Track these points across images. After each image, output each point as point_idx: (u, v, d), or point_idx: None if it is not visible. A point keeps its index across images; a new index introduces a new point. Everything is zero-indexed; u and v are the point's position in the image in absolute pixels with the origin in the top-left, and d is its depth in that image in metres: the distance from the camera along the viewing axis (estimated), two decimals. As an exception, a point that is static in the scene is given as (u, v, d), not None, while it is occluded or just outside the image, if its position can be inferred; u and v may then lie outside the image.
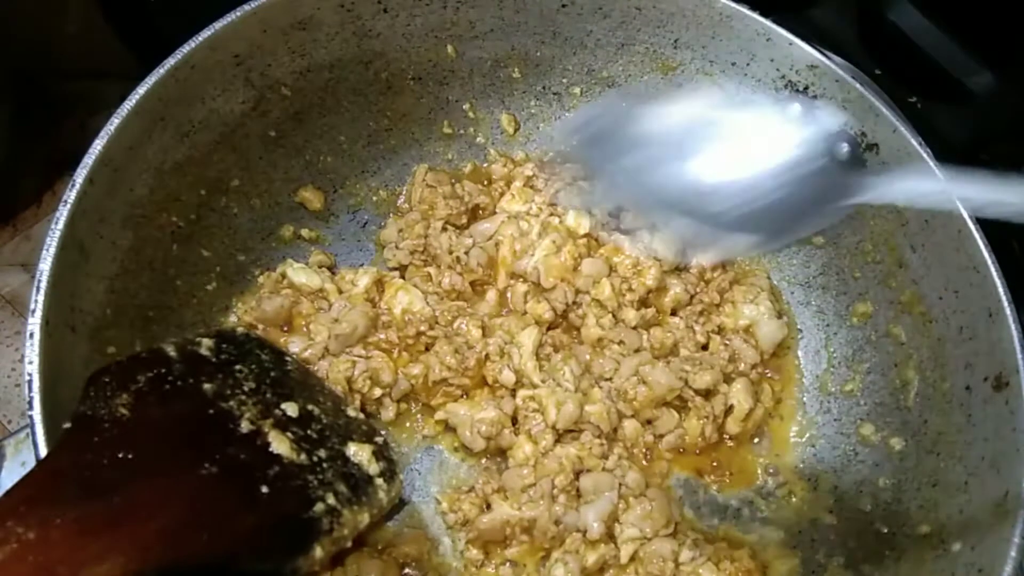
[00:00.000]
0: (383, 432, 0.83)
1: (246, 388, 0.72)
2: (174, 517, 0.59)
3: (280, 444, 0.69)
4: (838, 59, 0.86)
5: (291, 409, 0.74)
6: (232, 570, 0.63)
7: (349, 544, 0.72)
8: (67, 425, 0.60)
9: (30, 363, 0.62)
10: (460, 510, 0.80)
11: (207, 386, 0.70)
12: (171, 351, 0.70)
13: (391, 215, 0.96)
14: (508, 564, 0.79)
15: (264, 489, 0.66)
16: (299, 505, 0.68)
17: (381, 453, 0.77)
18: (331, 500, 0.70)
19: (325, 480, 0.71)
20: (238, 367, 0.74)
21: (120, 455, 0.60)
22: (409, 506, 0.83)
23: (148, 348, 0.72)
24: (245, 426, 0.69)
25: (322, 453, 0.73)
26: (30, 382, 0.62)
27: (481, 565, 0.80)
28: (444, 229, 0.92)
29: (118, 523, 0.56)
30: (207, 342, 0.74)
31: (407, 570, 0.79)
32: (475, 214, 0.95)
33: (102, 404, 0.62)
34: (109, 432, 0.61)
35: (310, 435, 0.73)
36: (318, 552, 0.68)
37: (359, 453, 0.75)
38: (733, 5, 0.86)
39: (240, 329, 0.82)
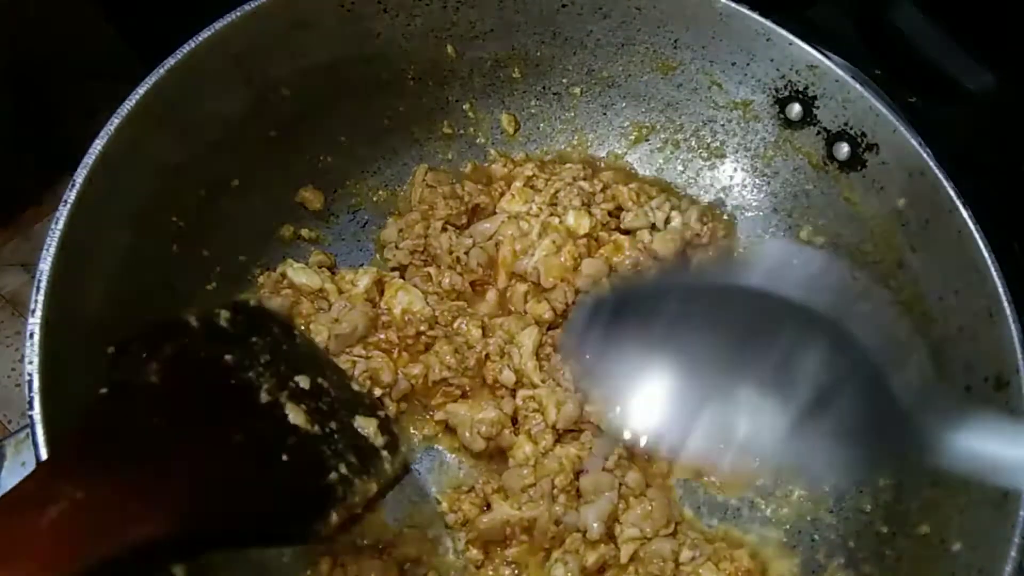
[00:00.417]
0: (385, 406, 0.84)
1: (262, 360, 0.73)
2: (205, 483, 0.61)
3: (296, 415, 0.71)
4: (838, 59, 0.86)
5: (304, 382, 0.75)
6: (256, 534, 0.66)
7: (359, 511, 0.74)
8: (103, 390, 0.62)
9: (30, 363, 0.62)
10: (460, 510, 0.80)
11: (228, 357, 0.71)
12: (192, 321, 0.72)
13: (391, 215, 0.96)
14: (508, 564, 0.79)
15: (284, 458, 0.68)
16: (315, 474, 0.70)
17: (385, 426, 0.79)
18: (343, 469, 0.72)
19: (337, 451, 0.73)
20: (254, 339, 0.75)
21: (153, 421, 0.62)
22: (409, 506, 0.83)
23: (169, 317, 0.72)
24: (264, 397, 0.70)
25: (333, 425, 0.74)
26: (30, 382, 0.62)
27: (481, 565, 0.80)
28: (444, 229, 0.92)
29: (156, 486, 0.58)
30: (224, 313, 0.75)
31: (407, 570, 0.79)
32: (475, 214, 0.95)
33: (134, 371, 0.64)
34: (142, 399, 0.63)
35: (321, 407, 0.74)
36: (333, 518, 0.70)
37: (366, 426, 0.77)
38: (733, 5, 0.86)
39: (252, 301, 0.84)
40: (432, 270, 0.91)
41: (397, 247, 0.92)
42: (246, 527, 0.64)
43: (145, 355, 0.65)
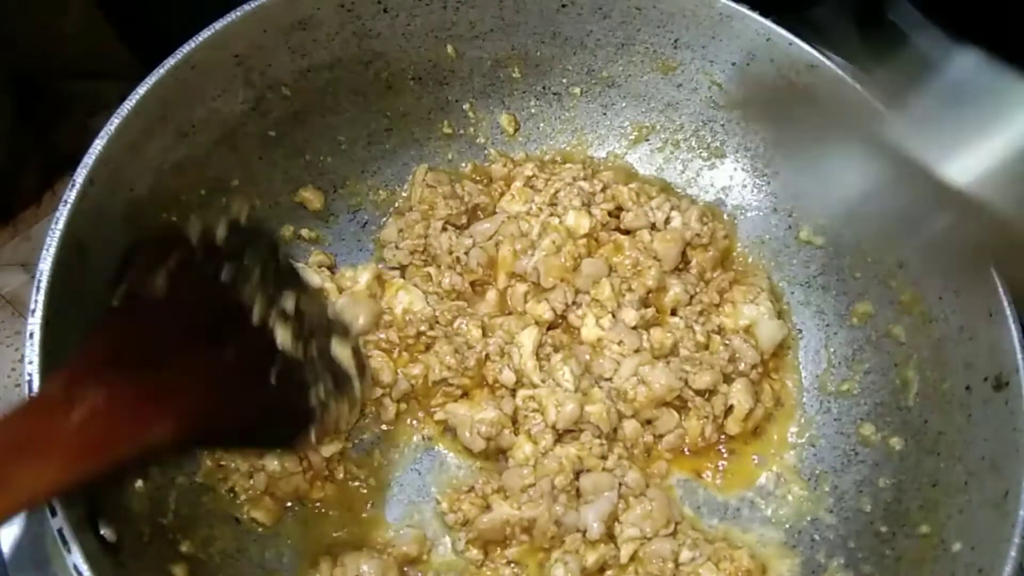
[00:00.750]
0: (356, 334, 0.85)
1: (253, 280, 0.75)
2: (205, 394, 0.66)
3: (284, 338, 0.73)
4: (838, 59, 0.86)
5: (289, 304, 0.77)
6: (243, 443, 0.73)
7: (334, 433, 0.79)
8: (116, 301, 0.65)
9: (30, 363, 0.62)
10: (460, 510, 0.80)
11: (223, 275, 0.73)
12: (193, 236, 0.74)
13: (391, 215, 0.96)
14: (508, 564, 0.79)
15: (272, 378, 0.71)
16: (298, 395, 0.73)
17: (356, 352, 0.80)
18: (321, 393, 0.75)
19: (316, 374, 0.75)
20: (246, 258, 0.77)
21: (161, 332, 0.66)
22: (409, 506, 0.83)
23: (169, 226, 0.76)
24: (256, 317, 0.73)
25: (313, 349, 0.77)
26: (30, 382, 0.62)
27: (481, 565, 0.80)
28: (444, 229, 0.92)
29: (166, 394, 0.62)
30: (220, 230, 0.76)
31: (407, 570, 0.79)
32: (475, 214, 0.95)
33: (142, 284, 0.67)
34: (150, 310, 0.66)
35: (304, 331, 0.77)
36: (311, 436, 0.75)
37: (341, 352, 0.79)
38: (733, 5, 0.86)
39: (243, 217, 0.83)
40: (432, 270, 0.91)
41: (397, 247, 0.92)
42: (235, 437, 0.71)
43: (151, 268, 0.68)
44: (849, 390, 0.89)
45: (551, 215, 0.93)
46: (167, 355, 0.64)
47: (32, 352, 0.62)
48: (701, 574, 0.78)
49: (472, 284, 0.91)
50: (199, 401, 0.65)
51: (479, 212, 0.95)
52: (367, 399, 0.82)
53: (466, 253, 0.90)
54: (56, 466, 0.55)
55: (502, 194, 0.96)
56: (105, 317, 0.65)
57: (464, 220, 0.94)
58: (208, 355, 0.68)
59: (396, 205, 0.97)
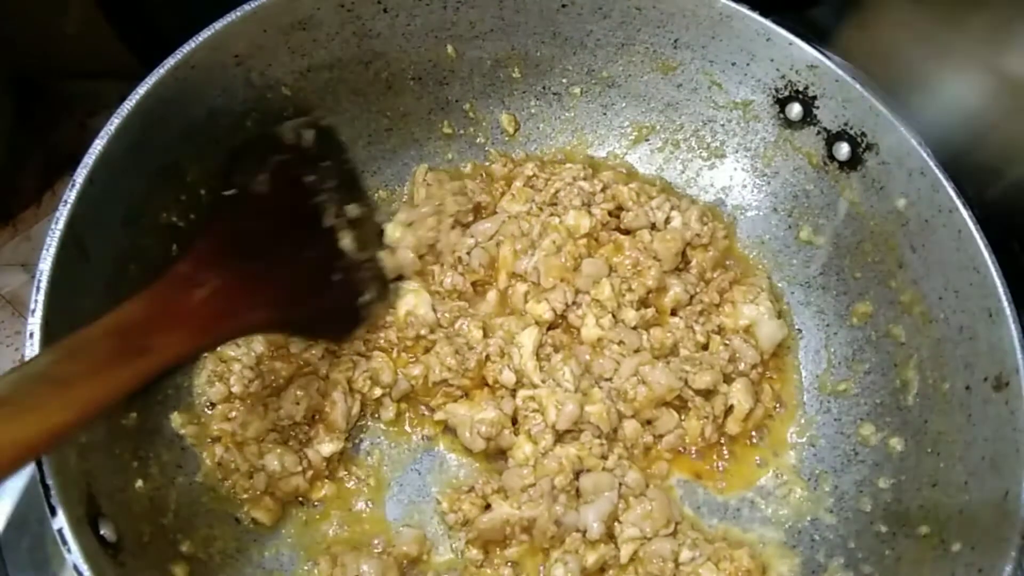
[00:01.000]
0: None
1: (329, 185, 0.83)
2: (289, 285, 0.74)
3: (348, 241, 0.82)
4: (838, 59, 0.86)
5: (354, 211, 0.85)
6: (309, 331, 0.81)
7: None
8: (230, 192, 0.74)
9: (30, 363, 0.62)
10: (460, 510, 0.80)
11: (308, 178, 0.81)
12: (288, 138, 0.81)
13: (397, 213, 0.95)
14: (508, 564, 0.79)
15: (336, 277, 0.80)
16: (354, 294, 0.83)
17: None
18: (370, 294, 0.84)
19: (367, 278, 0.85)
20: (325, 163, 0.84)
21: (259, 228, 0.74)
22: (409, 506, 0.83)
23: (269, 132, 0.82)
24: (328, 220, 0.81)
25: (368, 254, 0.85)
26: (30, 382, 0.61)
27: (481, 565, 0.80)
28: (453, 227, 0.92)
29: (262, 283, 0.71)
30: (309, 133, 0.83)
31: (407, 570, 0.79)
32: (478, 212, 0.95)
33: (248, 180, 0.75)
34: (253, 206, 0.75)
35: (361, 236, 0.85)
36: (360, 331, 0.85)
37: (388, 261, 0.89)
38: (733, 5, 0.86)
39: (324, 121, 0.89)
40: (436, 268, 0.91)
41: (401, 248, 0.92)
42: (302, 327, 0.78)
43: (257, 167, 0.75)
44: (849, 390, 0.89)
45: (551, 215, 0.93)
46: (263, 249, 0.73)
47: (32, 352, 0.62)
48: (701, 574, 0.78)
49: (473, 284, 0.91)
50: (284, 292, 0.73)
51: (481, 211, 0.95)
52: (389, 307, 0.89)
53: (468, 253, 0.90)
54: (184, 336, 0.63)
55: (503, 194, 0.96)
56: (219, 207, 0.74)
57: (470, 217, 0.94)
58: (292, 251, 0.76)
59: (392, 207, 0.96)
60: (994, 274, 0.74)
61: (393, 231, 0.92)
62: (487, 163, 0.99)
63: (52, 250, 0.66)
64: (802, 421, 0.90)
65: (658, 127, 0.99)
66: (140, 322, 0.61)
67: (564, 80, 0.98)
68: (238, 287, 0.68)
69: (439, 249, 0.91)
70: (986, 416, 0.73)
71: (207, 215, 0.74)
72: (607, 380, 0.86)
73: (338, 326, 0.83)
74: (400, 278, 0.90)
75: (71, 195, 0.67)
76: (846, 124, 0.86)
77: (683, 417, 0.86)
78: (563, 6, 0.90)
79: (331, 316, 0.81)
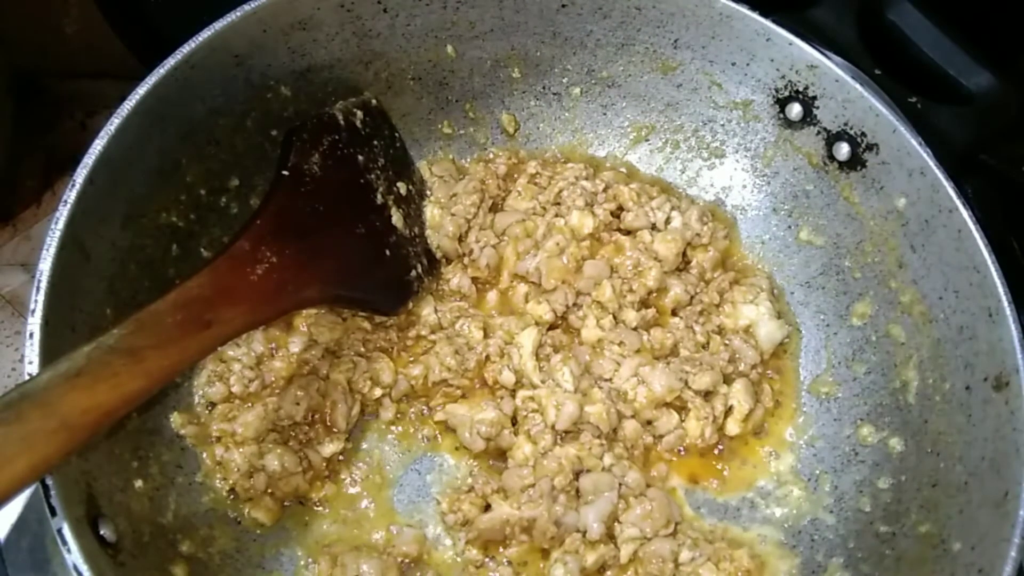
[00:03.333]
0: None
1: (380, 163, 0.85)
2: (342, 261, 0.77)
3: (397, 218, 0.85)
4: (838, 59, 0.86)
5: (403, 188, 0.88)
6: (360, 308, 0.84)
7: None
8: (285, 172, 0.76)
9: (30, 363, 0.62)
10: (460, 510, 0.80)
11: (360, 157, 0.83)
12: (340, 118, 0.83)
13: (433, 193, 0.95)
14: (508, 564, 0.79)
15: (387, 252, 0.83)
16: (405, 269, 0.86)
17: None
18: (418, 269, 0.87)
19: (416, 253, 0.88)
20: (376, 141, 0.87)
21: (313, 205, 0.76)
22: (409, 506, 0.83)
23: (322, 112, 0.83)
24: (379, 198, 0.84)
25: (416, 230, 0.88)
26: (30, 382, 0.61)
27: (481, 565, 0.80)
28: (492, 209, 0.94)
29: (316, 259, 0.73)
30: (360, 113, 0.86)
31: (407, 570, 0.79)
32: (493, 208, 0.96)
33: (303, 160, 0.77)
34: (307, 185, 0.77)
35: (411, 212, 0.88)
36: (409, 305, 0.88)
37: (434, 237, 0.91)
38: (733, 5, 0.86)
39: (374, 101, 0.91)
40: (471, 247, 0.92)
41: (444, 228, 0.92)
42: (356, 301, 0.82)
43: (310, 145, 0.78)
44: (849, 390, 0.89)
45: (556, 215, 0.93)
46: (317, 225, 0.75)
47: (32, 352, 0.62)
48: (701, 574, 0.78)
49: (474, 280, 0.91)
50: (339, 267, 0.76)
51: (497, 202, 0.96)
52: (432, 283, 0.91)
53: (481, 248, 0.90)
54: (245, 310, 0.66)
55: (508, 191, 0.96)
56: (276, 187, 0.75)
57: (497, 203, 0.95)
58: (345, 228, 0.79)
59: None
60: (994, 274, 0.74)
61: (432, 212, 0.93)
62: (491, 156, 0.99)
63: (52, 250, 0.66)
64: (801, 421, 0.90)
65: (658, 127, 0.99)
66: (204, 297, 0.64)
67: (564, 80, 0.98)
68: (295, 263, 0.71)
69: (471, 227, 0.92)
70: (986, 416, 0.73)
71: (266, 194, 0.75)
72: (607, 380, 0.86)
73: (388, 300, 0.85)
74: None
75: (71, 195, 0.67)
76: (846, 124, 0.86)
77: (683, 417, 0.86)
78: (563, 6, 0.90)
79: (382, 290, 0.83)
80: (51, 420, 0.54)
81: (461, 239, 0.92)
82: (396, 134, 0.93)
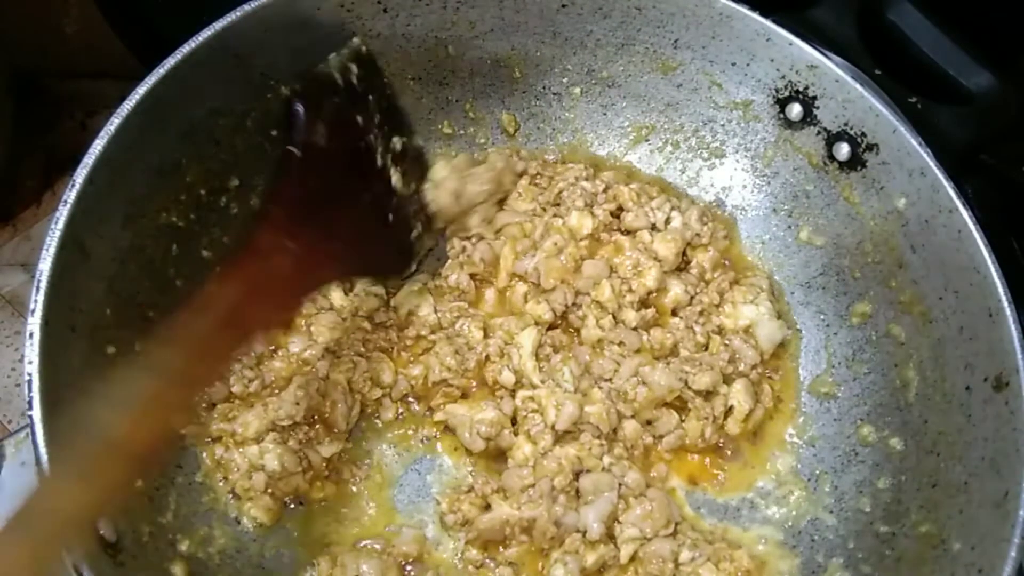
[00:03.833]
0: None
1: (376, 120, 0.82)
2: (352, 234, 0.75)
3: (396, 179, 0.83)
4: (838, 59, 0.86)
5: (398, 143, 0.85)
6: (368, 275, 0.83)
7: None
8: (294, 150, 0.73)
9: (30, 363, 0.62)
10: (460, 510, 0.80)
11: (359, 117, 0.80)
12: (338, 78, 0.80)
13: (457, 156, 0.96)
14: (508, 564, 0.79)
15: (390, 216, 0.81)
16: (407, 230, 0.84)
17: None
18: (419, 228, 0.86)
19: (415, 212, 0.86)
20: (370, 96, 0.84)
21: (321, 182, 0.74)
22: (409, 506, 0.83)
23: (318, 73, 0.79)
24: (379, 160, 0.81)
25: (413, 186, 0.86)
26: (30, 382, 0.62)
27: (481, 565, 0.80)
28: (499, 203, 0.94)
29: (329, 237, 0.72)
30: (355, 68, 0.82)
31: (407, 570, 0.79)
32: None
33: (311, 133, 0.75)
34: (315, 160, 0.75)
35: (408, 169, 0.86)
36: (412, 267, 0.87)
37: (432, 193, 0.88)
38: (733, 5, 0.86)
39: (364, 48, 0.86)
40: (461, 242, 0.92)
41: (441, 189, 0.91)
42: (367, 270, 0.81)
43: (314, 115, 0.75)
44: (849, 390, 0.89)
45: (555, 215, 0.93)
46: (325, 203, 0.73)
47: (32, 352, 0.62)
48: (701, 574, 0.78)
49: (472, 276, 0.91)
50: (350, 241, 0.74)
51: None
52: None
53: (474, 244, 0.90)
54: (272, 305, 0.66)
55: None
56: (288, 169, 0.73)
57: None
58: (352, 199, 0.76)
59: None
60: (994, 274, 0.74)
61: (440, 170, 0.92)
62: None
63: (52, 250, 0.66)
64: (801, 421, 0.90)
65: (658, 127, 0.99)
66: (233, 301, 0.64)
67: (564, 80, 0.98)
68: (313, 247, 0.70)
69: (469, 212, 0.92)
70: (986, 416, 0.73)
71: (275, 177, 0.74)
72: (607, 380, 0.86)
73: (395, 264, 0.84)
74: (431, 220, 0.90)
75: (71, 195, 0.67)
76: (846, 124, 0.86)
77: (683, 418, 0.86)
78: (563, 6, 0.90)
79: (389, 255, 0.83)
80: (113, 459, 0.54)
81: (460, 216, 0.92)
82: (386, 81, 0.88)
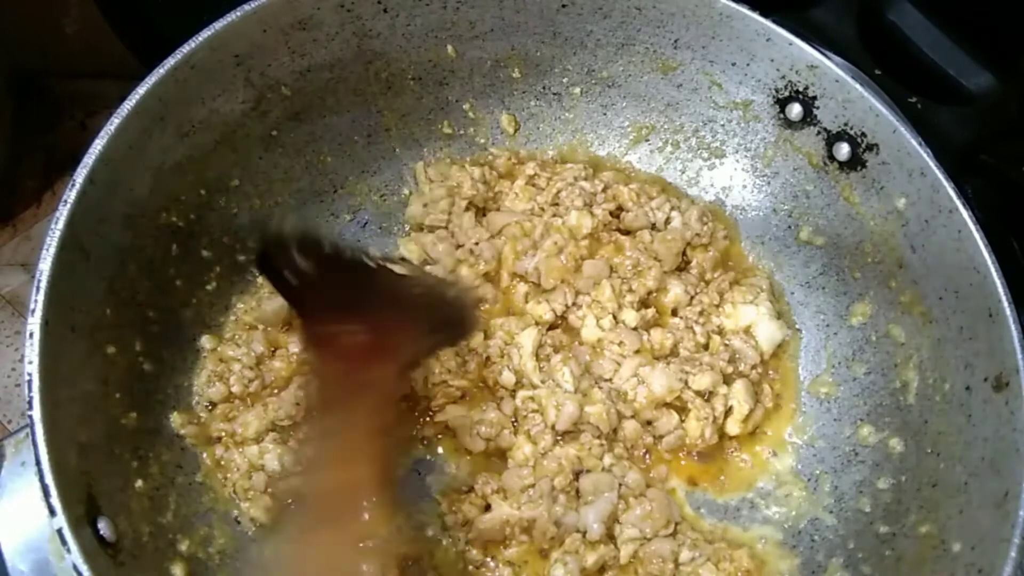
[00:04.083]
0: None
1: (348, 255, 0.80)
2: (395, 326, 0.75)
3: (399, 268, 0.82)
4: (838, 59, 0.86)
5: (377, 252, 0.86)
6: (441, 347, 0.84)
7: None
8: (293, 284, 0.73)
9: (30, 363, 0.62)
10: (460, 510, 0.80)
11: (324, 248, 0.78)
12: (279, 234, 0.77)
13: (412, 197, 0.96)
14: (508, 564, 0.79)
15: (416, 292, 0.80)
16: (440, 295, 0.82)
17: None
18: (453, 289, 0.85)
19: (433, 282, 0.85)
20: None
21: (331, 297, 0.74)
22: (409, 506, 0.83)
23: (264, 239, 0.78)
24: (372, 263, 0.79)
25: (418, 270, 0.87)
26: (30, 382, 0.61)
27: (481, 565, 0.80)
28: (467, 209, 0.92)
29: (388, 337, 0.73)
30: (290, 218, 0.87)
31: (407, 570, 0.79)
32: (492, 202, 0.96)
33: (293, 273, 0.73)
34: (316, 283, 0.74)
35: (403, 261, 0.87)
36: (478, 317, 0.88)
37: (407, 246, 0.92)
38: (733, 5, 0.86)
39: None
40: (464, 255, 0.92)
41: (422, 227, 0.93)
42: (434, 345, 0.81)
43: (282, 266, 0.73)
44: (849, 391, 0.89)
45: (554, 215, 0.93)
46: (355, 310, 0.74)
47: (32, 352, 0.62)
48: (701, 574, 0.78)
49: (484, 274, 0.91)
50: (400, 331, 0.75)
51: (489, 203, 0.96)
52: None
53: (477, 243, 0.90)
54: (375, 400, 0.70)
55: (503, 193, 0.96)
56: (293, 291, 0.74)
57: (488, 204, 0.95)
58: (377, 301, 0.76)
59: (391, 206, 0.97)
60: (994, 274, 0.74)
61: (412, 211, 0.93)
62: (490, 157, 0.99)
63: (52, 250, 0.66)
64: (801, 421, 0.90)
65: (658, 127, 0.99)
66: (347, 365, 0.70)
67: (564, 80, 0.98)
68: (377, 332, 0.72)
69: (452, 232, 0.92)
70: (986, 416, 0.73)
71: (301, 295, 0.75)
72: (607, 381, 0.86)
73: (455, 326, 0.82)
74: (427, 262, 0.91)
75: (71, 195, 0.67)
76: (846, 124, 0.86)
77: (683, 418, 0.86)
78: (563, 6, 0.90)
79: (442, 321, 0.81)
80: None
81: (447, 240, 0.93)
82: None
